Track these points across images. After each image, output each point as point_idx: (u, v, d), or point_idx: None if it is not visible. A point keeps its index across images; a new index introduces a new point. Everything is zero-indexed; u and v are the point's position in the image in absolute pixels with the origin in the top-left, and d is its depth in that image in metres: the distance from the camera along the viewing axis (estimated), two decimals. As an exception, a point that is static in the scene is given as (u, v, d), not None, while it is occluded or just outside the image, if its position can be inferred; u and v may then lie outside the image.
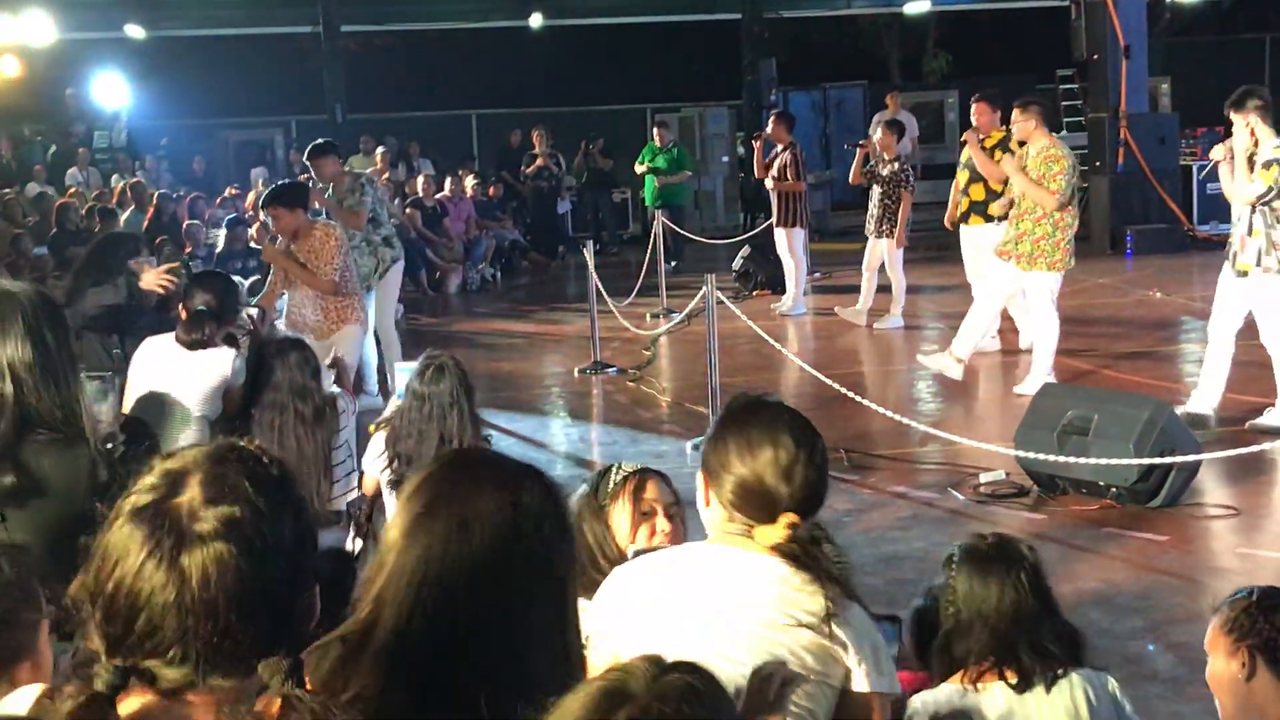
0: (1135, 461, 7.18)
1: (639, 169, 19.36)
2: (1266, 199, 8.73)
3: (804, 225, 14.96)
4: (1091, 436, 7.43)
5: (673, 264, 15.76)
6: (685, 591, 2.81)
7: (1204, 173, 10.03)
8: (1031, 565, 3.39)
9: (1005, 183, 11.27)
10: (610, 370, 12.10)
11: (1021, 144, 10.76)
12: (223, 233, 15.81)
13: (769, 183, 14.99)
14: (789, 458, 2.80)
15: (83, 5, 22.21)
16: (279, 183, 9.58)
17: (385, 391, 10.28)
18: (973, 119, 12.09)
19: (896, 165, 13.71)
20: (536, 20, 25.13)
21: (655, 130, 19.40)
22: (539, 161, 21.40)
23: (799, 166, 14.76)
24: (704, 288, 9.49)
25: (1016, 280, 10.59)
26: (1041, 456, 7.48)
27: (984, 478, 7.99)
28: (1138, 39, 18.64)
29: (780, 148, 14.95)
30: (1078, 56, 19.73)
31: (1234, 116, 9.00)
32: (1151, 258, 16.90)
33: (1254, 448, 7.50)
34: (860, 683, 2.70)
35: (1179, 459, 7.23)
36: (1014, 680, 3.24)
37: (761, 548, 2.79)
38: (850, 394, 8.89)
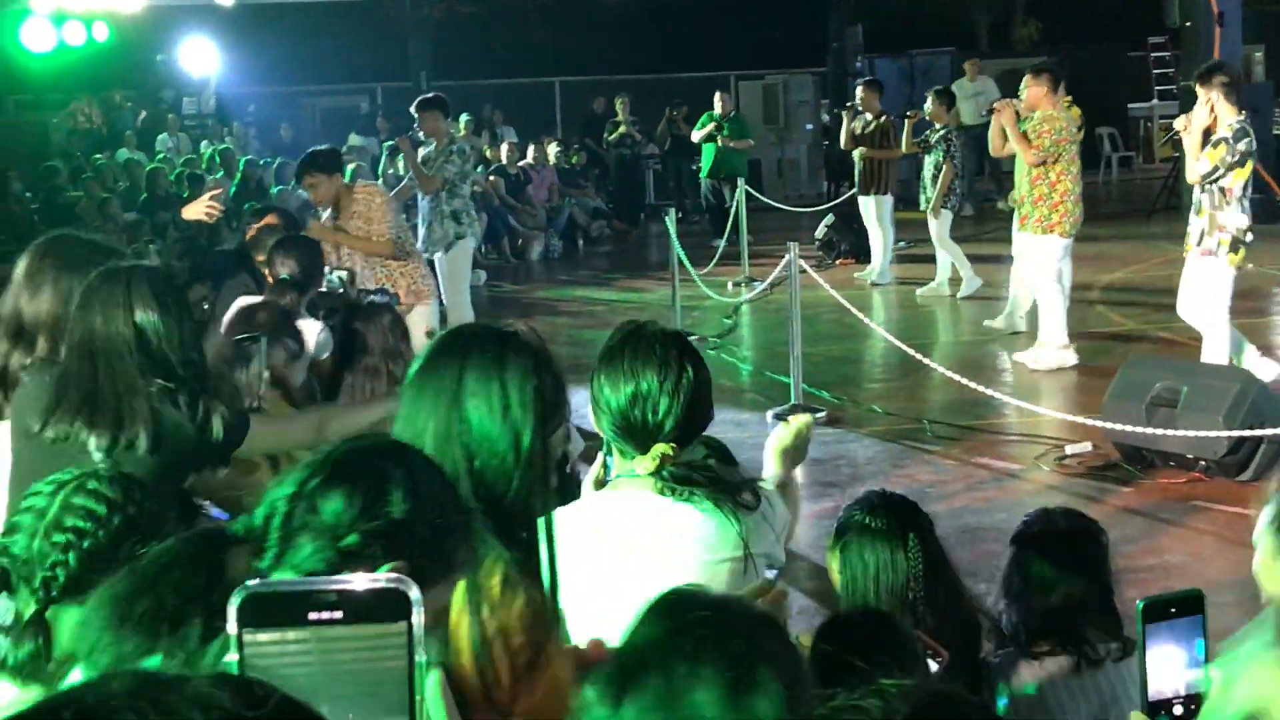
0: (1225, 434, 7.07)
1: (696, 136, 18.66)
2: (1212, 178, 8.66)
3: (892, 193, 14.86)
4: (1180, 408, 7.33)
5: (722, 241, 15.37)
6: (620, 546, 2.92)
7: (1164, 141, 10.00)
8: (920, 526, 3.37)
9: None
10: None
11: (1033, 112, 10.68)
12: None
13: (859, 151, 14.88)
14: (650, 390, 2.92)
15: (172, -28, 22.43)
16: (311, 149, 9.16)
17: None
18: (1020, 92, 11.71)
19: (942, 135, 13.65)
20: (621, -13, 25.06)
21: (717, 96, 18.60)
22: (621, 129, 21.37)
23: (892, 134, 14.66)
24: (787, 256, 9.44)
25: (1026, 247, 10.52)
26: (1129, 429, 7.39)
27: (1070, 450, 7.91)
28: (1232, 6, 18.27)
29: (870, 116, 14.85)
30: (1170, 24, 19.39)
31: (1199, 90, 8.89)
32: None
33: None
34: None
35: (1270, 432, 7.11)
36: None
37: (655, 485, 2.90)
38: (933, 364, 8.82)
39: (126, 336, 3.53)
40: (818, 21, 26.04)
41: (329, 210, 8.62)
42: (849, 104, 15.80)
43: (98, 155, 18.72)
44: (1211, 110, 8.76)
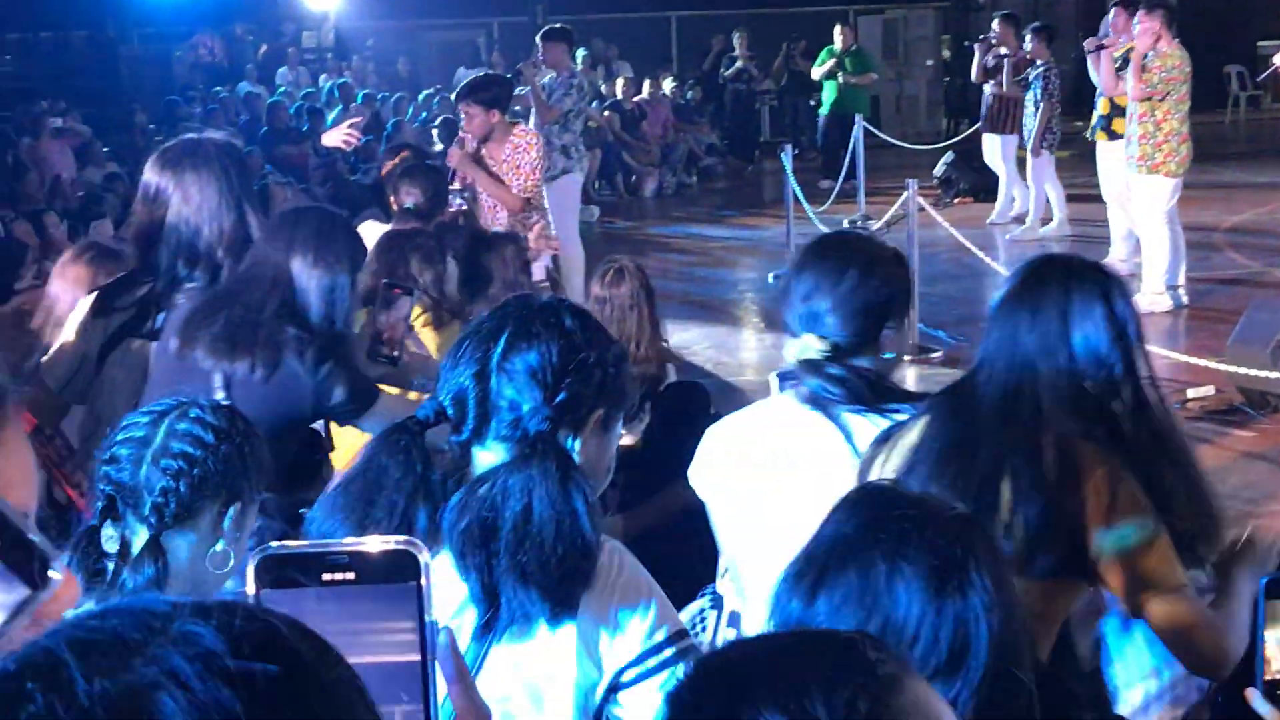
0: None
1: (817, 73, 18.20)
2: None
3: (1017, 133, 14.55)
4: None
5: (837, 183, 15.13)
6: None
7: (1261, 78, 9.67)
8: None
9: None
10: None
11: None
12: (436, 131, 15.93)
13: (990, 87, 14.57)
14: (819, 285, 2.99)
15: (293, -94, 22.56)
16: (480, 74, 9.00)
17: None
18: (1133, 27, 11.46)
19: (1041, 71, 13.38)
20: (739, -80, 24.78)
21: (838, 30, 18.06)
22: (738, 64, 21.19)
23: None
24: (905, 193, 9.33)
25: (1138, 187, 10.26)
26: (1254, 372, 7.23)
27: (1192, 393, 7.76)
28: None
29: (1006, 51, 14.50)
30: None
31: None
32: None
33: None
34: None
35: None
36: None
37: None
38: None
39: (279, 276, 3.59)
40: (940, -45, 25.58)
41: (476, 143, 8.21)
42: (982, 37, 15.40)
43: (219, 88, 18.93)
44: None
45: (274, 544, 1.34)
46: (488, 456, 2.17)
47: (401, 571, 1.34)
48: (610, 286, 5.27)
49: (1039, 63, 13.59)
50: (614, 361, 2.23)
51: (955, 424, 2.69)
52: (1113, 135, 11.31)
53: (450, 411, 2.18)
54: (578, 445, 2.17)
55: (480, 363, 2.16)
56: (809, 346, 2.98)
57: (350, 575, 1.33)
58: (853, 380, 2.93)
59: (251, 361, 3.53)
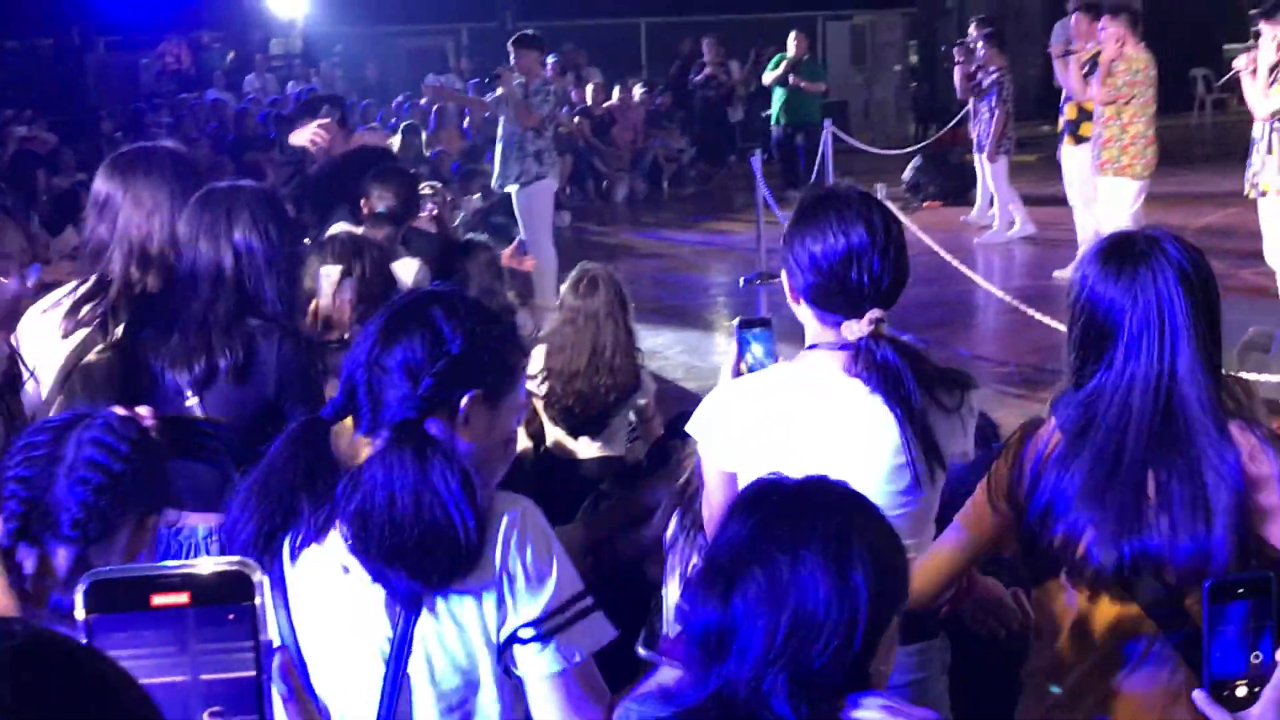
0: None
1: (767, 78, 17.46)
2: None
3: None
4: (1274, 353, 7.21)
5: (797, 192, 15.09)
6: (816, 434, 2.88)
7: (1220, 82, 9.87)
8: None
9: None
10: (776, 280, 12.02)
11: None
12: (398, 138, 15.94)
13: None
14: (863, 246, 2.84)
15: (260, -87, 22.51)
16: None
17: None
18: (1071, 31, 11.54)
19: (995, 78, 13.43)
20: (708, -74, 24.83)
21: (791, 36, 17.30)
22: (708, 70, 21.22)
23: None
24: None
25: (1104, 191, 10.36)
26: (1221, 373, 7.27)
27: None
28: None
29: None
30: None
31: (1263, 27, 8.66)
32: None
33: None
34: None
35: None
36: None
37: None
38: (1023, 307, 8.73)
39: (225, 264, 3.54)
40: (907, -39, 25.68)
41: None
42: (960, 42, 15.33)
43: (186, 95, 18.88)
44: (1278, 47, 8.56)
45: (104, 568, 1.35)
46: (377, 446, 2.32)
47: (236, 592, 1.35)
48: (584, 296, 5.27)
49: (992, 68, 13.63)
50: (491, 343, 2.37)
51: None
52: (1079, 140, 11.39)
53: (347, 405, 2.35)
54: (460, 427, 2.33)
55: (365, 359, 2.34)
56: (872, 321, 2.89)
57: (183, 597, 1.33)
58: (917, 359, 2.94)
59: (216, 365, 3.50)
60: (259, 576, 1.35)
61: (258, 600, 1.35)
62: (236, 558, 1.37)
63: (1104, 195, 10.32)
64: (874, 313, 2.86)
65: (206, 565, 1.36)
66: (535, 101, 10.75)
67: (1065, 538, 2.57)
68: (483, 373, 2.35)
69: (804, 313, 2.97)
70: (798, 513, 1.97)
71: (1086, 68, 10.91)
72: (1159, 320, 2.57)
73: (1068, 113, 11.62)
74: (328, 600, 2.33)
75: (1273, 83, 8.59)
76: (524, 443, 5.42)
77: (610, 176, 18.47)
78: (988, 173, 13.71)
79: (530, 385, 5.41)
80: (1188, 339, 2.58)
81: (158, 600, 1.33)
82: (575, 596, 2.32)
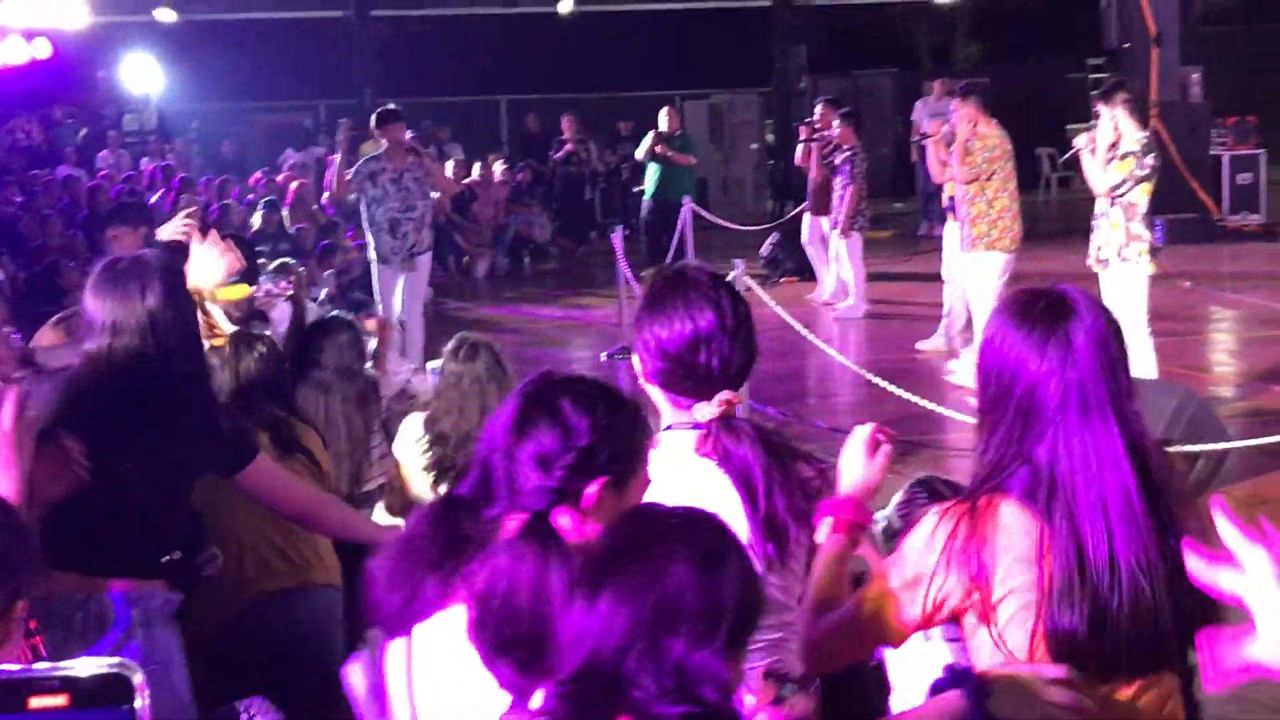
0: (1164, 450, 7.15)
1: (640, 153, 17.49)
2: (1120, 191, 8.83)
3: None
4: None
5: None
6: None
7: (1063, 159, 10.31)
8: None
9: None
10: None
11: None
12: (259, 214, 15.79)
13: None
14: (711, 330, 2.86)
15: (115, -12, 22.29)
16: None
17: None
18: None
19: (848, 155, 13.73)
20: (566, 5, 25.10)
21: (664, 112, 17.42)
22: (568, 147, 21.39)
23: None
24: (732, 273, 9.48)
25: (970, 267, 10.60)
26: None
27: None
28: (1169, 28, 18.54)
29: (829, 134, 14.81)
30: (1109, 44, 19.64)
31: (1101, 108, 9.09)
32: (1180, 247, 16.77)
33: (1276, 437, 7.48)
34: None
35: (1207, 447, 7.21)
36: None
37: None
38: (877, 380, 8.88)
39: (143, 327, 3.56)
40: (762, 41, 26.18)
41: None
42: (807, 120, 15.63)
43: (37, 171, 18.54)
44: (1116, 127, 8.94)
45: None
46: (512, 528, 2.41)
47: (116, 694, 1.33)
48: (464, 361, 5.27)
49: (845, 147, 13.91)
50: (619, 430, 2.49)
51: None
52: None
53: (483, 489, 2.46)
54: (590, 513, 2.43)
55: (500, 447, 2.46)
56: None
57: (62, 700, 1.31)
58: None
59: (134, 438, 3.51)
60: (139, 678, 1.33)
61: (139, 703, 1.32)
62: (117, 659, 1.35)
63: (973, 270, 10.54)
64: (724, 394, 2.88)
65: (86, 667, 1.33)
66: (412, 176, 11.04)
67: None
68: (611, 461, 2.45)
69: (656, 394, 2.98)
70: (675, 521, 2.16)
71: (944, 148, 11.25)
72: (1103, 379, 2.48)
73: (948, 190, 11.85)
74: (449, 668, 2.39)
75: (1110, 160, 8.94)
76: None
77: (471, 252, 18.49)
78: (841, 249, 13.94)
79: (405, 450, 5.38)
80: (1129, 397, 2.50)
81: (35, 703, 1.30)
82: None
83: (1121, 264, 8.95)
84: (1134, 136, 8.94)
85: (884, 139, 21.22)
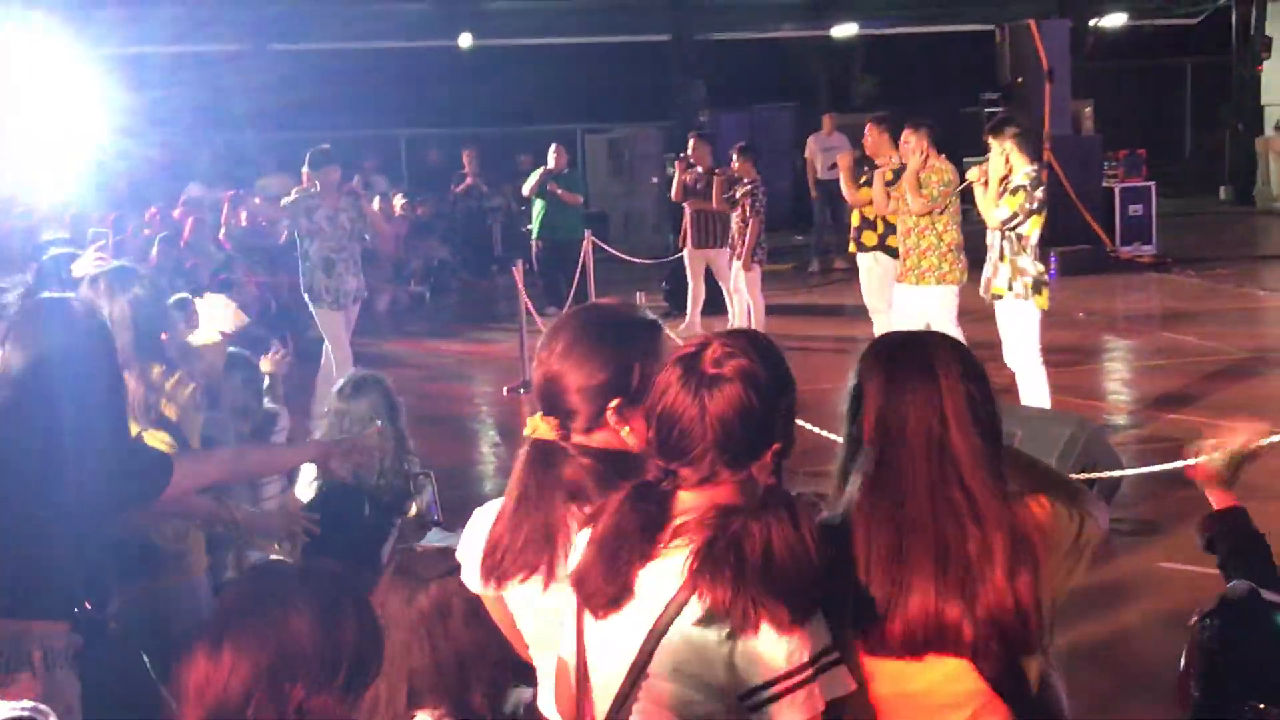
0: (1058, 477, 7.26)
1: (527, 188, 17.30)
2: (1011, 224, 8.95)
3: (729, 247, 14.83)
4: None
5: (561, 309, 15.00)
6: None
7: (956, 192, 10.22)
8: None
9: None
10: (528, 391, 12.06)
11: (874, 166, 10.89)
12: (156, 248, 15.56)
13: (692, 204, 14.95)
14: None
15: None
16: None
17: None
18: (864, 142, 11.79)
19: (748, 189, 13.85)
20: (466, 40, 25.12)
21: (552, 149, 17.23)
22: (468, 181, 21.36)
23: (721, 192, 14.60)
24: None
25: (915, 300, 10.42)
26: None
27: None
28: (1061, 63, 18.90)
29: (702, 169, 14.89)
30: (1002, 80, 19.98)
31: (992, 142, 9.18)
32: (1074, 278, 17.09)
33: (1175, 464, 7.62)
34: None
35: (1101, 475, 7.33)
36: None
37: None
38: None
39: (56, 366, 3.55)
40: (662, 76, 26.35)
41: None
42: (680, 155, 15.72)
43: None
44: (1006, 160, 9.05)
45: None
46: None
47: None
48: (348, 400, 5.22)
49: (745, 180, 14.01)
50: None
51: None
52: (862, 248, 11.70)
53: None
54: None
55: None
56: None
57: None
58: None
59: (64, 480, 3.50)
60: None
61: None
62: (30, 703, 1.34)
63: (932, 305, 10.28)
64: (535, 419, 2.87)
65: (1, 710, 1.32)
66: (348, 215, 10.80)
67: None
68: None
69: None
70: (293, 578, 2.40)
71: (890, 179, 11.25)
72: (942, 420, 2.58)
73: (852, 220, 11.90)
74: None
75: (1003, 194, 9.06)
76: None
77: (372, 287, 18.36)
78: (741, 281, 14.01)
79: (304, 491, 5.34)
80: (968, 434, 2.59)
81: None
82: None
83: (1012, 297, 9.06)
84: (1024, 170, 9.05)
85: (782, 172, 21.41)
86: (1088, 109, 22.26)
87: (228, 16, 23.72)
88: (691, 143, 15.46)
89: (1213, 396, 10.86)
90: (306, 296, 10.93)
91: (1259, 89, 27.29)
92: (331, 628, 2.27)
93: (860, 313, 12.27)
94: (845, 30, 26.99)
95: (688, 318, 14.90)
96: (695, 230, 14.89)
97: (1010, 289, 9.05)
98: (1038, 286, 9.05)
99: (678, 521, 2.47)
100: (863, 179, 11.56)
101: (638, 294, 9.62)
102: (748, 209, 13.80)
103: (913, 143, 10.45)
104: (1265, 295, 16.23)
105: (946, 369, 2.61)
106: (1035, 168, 9.19)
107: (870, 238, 11.63)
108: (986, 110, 25.15)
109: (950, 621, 2.51)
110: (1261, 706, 2.94)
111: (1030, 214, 8.99)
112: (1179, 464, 7.54)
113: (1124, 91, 27.24)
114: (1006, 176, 9.04)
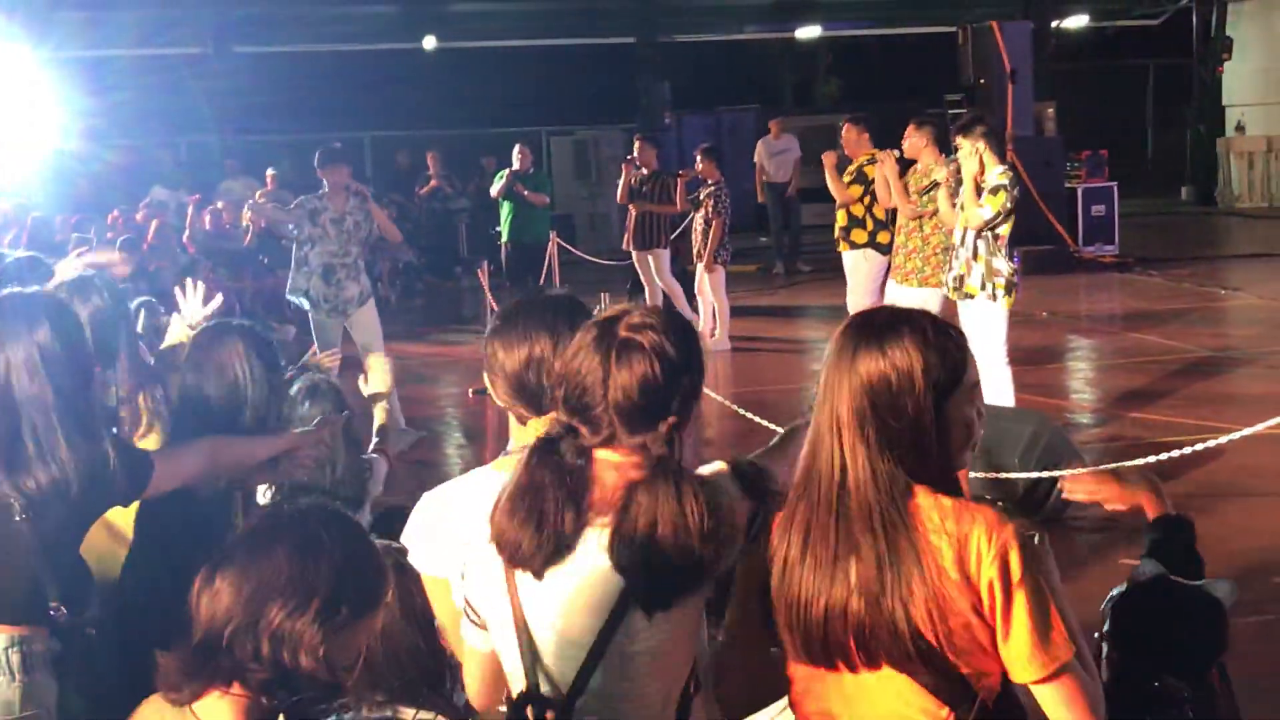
0: (1019, 475, 7.31)
1: (494, 190, 16.60)
2: (992, 224, 8.88)
3: (667, 247, 14.80)
4: (978, 450, 7.53)
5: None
6: None
7: (925, 193, 10.11)
8: None
9: (871, 205, 11.27)
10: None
11: (912, 162, 10.73)
12: (117, 253, 15.48)
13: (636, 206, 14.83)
14: (544, 353, 2.92)
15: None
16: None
17: None
18: (840, 139, 11.79)
19: (711, 191, 13.85)
20: (430, 43, 25.08)
21: (516, 149, 16.74)
22: (433, 183, 21.33)
23: (672, 188, 14.50)
24: (597, 308, 9.52)
25: (902, 300, 10.43)
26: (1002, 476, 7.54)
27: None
28: (1023, 64, 19.00)
29: (647, 171, 14.76)
30: (965, 81, 20.07)
31: (963, 141, 9.08)
32: (1037, 278, 17.17)
33: (1135, 461, 7.67)
34: None
35: (1063, 473, 7.37)
36: None
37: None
38: (745, 412, 8.95)
39: (35, 366, 3.54)
40: (627, 77, 26.36)
41: None
42: (628, 158, 15.61)
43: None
44: (979, 160, 8.98)
45: None
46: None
47: None
48: (297, 406, 5.17)
49: (709, 182, 14.01)
50: None
51: None
52: (852, 245, 11.60)
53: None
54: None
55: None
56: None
57: None
58: None
59: (40, 480, 3.49)
60: None
61: None
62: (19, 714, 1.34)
63: (915, 306, 10.17)
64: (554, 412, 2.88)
65: None
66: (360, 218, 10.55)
67: None
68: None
69: (510, 414, 3.05)
70: (291, 516, 2.60)
71: (849, 177, 11.22)
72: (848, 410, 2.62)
73: (838, 219, 11.69)
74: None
75: (980, 194, 8.92)
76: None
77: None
78: (705, 282, 14.03)
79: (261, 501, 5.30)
80: (863, 429, 2.61)
81: None
82: None
83: (985, 297, 9.01)
84: (999, 169, 9.00)
85: (746, 174, 21.44)
86: (1050, 110, 22.36)
87: (191, 19, 23.60)
88: (637, 145, 15.32)
89: (1175, 394, 10.93)
90: (304, 302, 10.56)
91: (1220, 90, 27.52)
92: (308, 561, 2.47)
93: (827, 313, 12.31)
94: (809, 32, 27.05)
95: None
96: (636, 232, 14.72)
97: (983, 289, 9.01)
98: (1009, 287, 9.01)
99: (598, 493, 2.57)
100: (847, 178, 11.47)
101: (603, 295, 9.62)
102: (710, 210, 13.82)
103: (915, 139, 10.40)
104: (1226, 294, 16.35)
105: (869, 356, 2.62)
106: (1006, 167, 9.15)
107: (860, 235, 11.52)
108: (950, 112, 25.28)
109: (856, 623, 2.54)
110: (1177, 684, 3.03)
111: (1009, 213, 8.95)
112: (1141, 461, 7.63)
113: (1086, 93, 27.38)
114: (979, 176, 8.96)
